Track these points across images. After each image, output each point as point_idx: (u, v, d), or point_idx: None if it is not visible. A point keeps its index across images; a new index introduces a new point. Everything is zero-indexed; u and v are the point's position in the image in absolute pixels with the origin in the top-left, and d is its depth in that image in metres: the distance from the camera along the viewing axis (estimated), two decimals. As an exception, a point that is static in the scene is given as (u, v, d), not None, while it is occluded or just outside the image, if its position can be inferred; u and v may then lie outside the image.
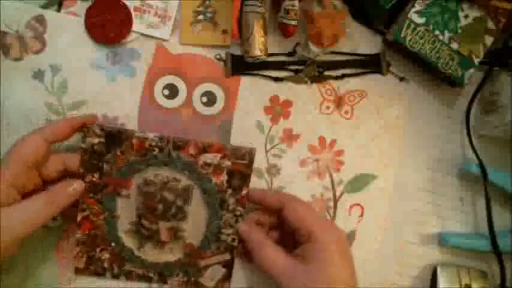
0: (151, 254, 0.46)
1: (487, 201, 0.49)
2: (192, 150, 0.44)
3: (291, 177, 0.50)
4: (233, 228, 0.46)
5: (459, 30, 0.48)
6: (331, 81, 0.51)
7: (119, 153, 0.44)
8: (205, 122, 0.49)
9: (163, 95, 0.49)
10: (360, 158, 0.51)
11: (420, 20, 0.48)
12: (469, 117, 0.52)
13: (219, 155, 0.45)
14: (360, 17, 0.51)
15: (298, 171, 0.50)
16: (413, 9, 0.48)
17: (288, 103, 0.50)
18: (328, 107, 0.51)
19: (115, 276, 0.46)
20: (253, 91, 0.50)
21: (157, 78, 0.49)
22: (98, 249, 0.45)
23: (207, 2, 0.49)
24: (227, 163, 0.45)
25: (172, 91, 0.49)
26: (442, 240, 0.51)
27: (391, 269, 0.51)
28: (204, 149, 0.44)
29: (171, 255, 0.46)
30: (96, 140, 0.43)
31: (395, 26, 0.49)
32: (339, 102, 0.51)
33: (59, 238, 0.47)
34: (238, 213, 0.45)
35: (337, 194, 0.51)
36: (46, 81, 0.47)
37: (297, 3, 0.46)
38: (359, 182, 0.51)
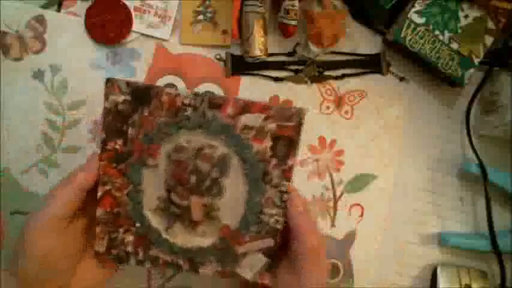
0: (180, 237, 0.40)
1: (487, 201, 0.49)
2: (230, 110, 0.37)
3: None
4: (277, 208, 0.39)
5: (459, 30, 0.48)
6: (331, 81, 0.51)
7: (146, 113, 0.37)
8: (205, 122, 0.49)
9: (163, 95, 0.49)
10: (360, 158, 0.51)
11: (420, 20, 0.48)
12: (469, 117, 0.52)
13: (263, 115, 0.37)
14: (360, 17, 0.51)
15: (298, 171, 0.50)
16: (413, 9, 0.48)
17: (288, 103, 0.50)
18: (328, 107, 0.51)
19: (140, 262, 0.40)
20: (253, 91, 0.50)
21: (157, 78, 0.49)
22: (121, 230, 0.40)
23: (207, 2, 0.49)
24: (271, 126, 0.37)
25: (172, 91, 0.49)
26: (442, 240, 0.51)
27: (391, 269, 0.51)
28: (245, 108, 0.37)
29: (203, 238, 0.40)
30: (121, 98, 0.37)
31: (395, 26, 0.49)
32: (339, 102, 0.51)
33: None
34: (284, 188, 0.39)
35: (337, 194, 0.51)
36: (46, 81, 0.47)
37: (297, 3, 0.46)
38: (359, 182, 0.51)
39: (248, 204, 0.39)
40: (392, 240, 0.51)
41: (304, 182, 0.50)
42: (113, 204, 0.39)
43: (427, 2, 0.48)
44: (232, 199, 0.39)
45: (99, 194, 0.39)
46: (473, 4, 0.48)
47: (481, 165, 0.50)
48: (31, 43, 0.47)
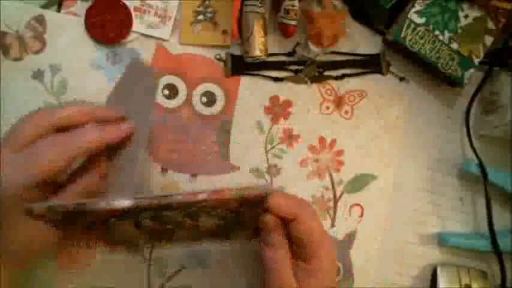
0: None
1: (487, 201, 0.49)
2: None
3: (291, 177, 0.50)
4: None
5: (459, 30, 0.48)
6: (331, 81, 0.51)
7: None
8: (205, 122, 0.49)
9: (163, 95, 0.49)
10: (359, 158, 0.51)
11: (420, 20, 0.48)
12: (469, 117, 0.52)
13: None
14: (360, 17, 0.51)
15: (298, 171, 0.50)
16: (413, 9, 0.48)
17: (288, 103, 0.50)
18: (328, 107, 0.51)
19: None
20: (253, 91, 0.50)
21: (157, 79, 0.49)
22: None
23: (207, 2, 0.49)
24: None
25: (172, 91, 0.49)
26: (442, 240, 0.51)
27: (391, 269, 0.51)
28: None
29: None
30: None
31: (396, 26, 0.49)
32: (339, 102, 0.51)
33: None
34: None
35: (337, 194, 0.51)
36: (46, 81, 0.47)
37: (297, 3, 0.46)
38: (359, 182, 0.51)
39: None
40: (393, 240, 0.51)
41: (304, 182, 0.50)
42: None
43: (427, 2, 0.48)
44: None
45: None
46: (473, 4, 0.48)
47: (481, 165, 0.50)
48: (31, 43, 0.47)
